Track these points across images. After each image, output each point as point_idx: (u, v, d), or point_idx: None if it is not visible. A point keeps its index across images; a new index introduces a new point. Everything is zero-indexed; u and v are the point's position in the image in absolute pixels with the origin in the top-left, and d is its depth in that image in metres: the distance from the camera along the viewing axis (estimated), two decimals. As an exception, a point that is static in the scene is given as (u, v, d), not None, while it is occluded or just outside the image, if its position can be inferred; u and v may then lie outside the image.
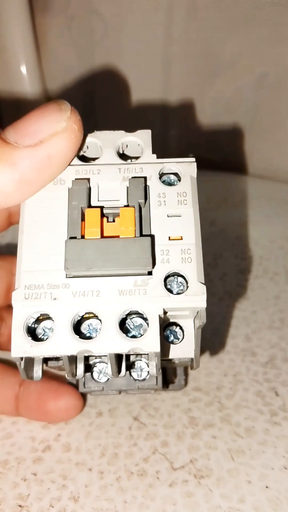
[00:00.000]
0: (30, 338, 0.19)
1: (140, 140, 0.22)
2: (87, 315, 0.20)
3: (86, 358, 0.22)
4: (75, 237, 0.20)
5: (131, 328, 0.20)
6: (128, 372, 0.24)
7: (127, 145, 0.23)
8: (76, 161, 0.22)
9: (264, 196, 0.43)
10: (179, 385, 0.29)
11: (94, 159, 0.22)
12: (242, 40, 0.41)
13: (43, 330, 0.20)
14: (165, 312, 0.20)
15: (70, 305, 0.19)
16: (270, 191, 0.44)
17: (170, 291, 0.19)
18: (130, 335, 0.19)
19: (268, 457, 0.26)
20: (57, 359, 0.22)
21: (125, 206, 0.21)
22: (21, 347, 0.19)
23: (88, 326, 0.20)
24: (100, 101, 0.46)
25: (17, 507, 0.25)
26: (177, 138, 0.44)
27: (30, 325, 0.20)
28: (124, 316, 0.19)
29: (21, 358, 0.19)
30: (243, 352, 0.32)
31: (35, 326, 0.20)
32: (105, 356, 0.22)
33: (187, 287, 0.19)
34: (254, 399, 0.29)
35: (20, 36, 0.42)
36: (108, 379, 0.25)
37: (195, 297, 0.19)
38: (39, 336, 0.20)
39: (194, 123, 0.46)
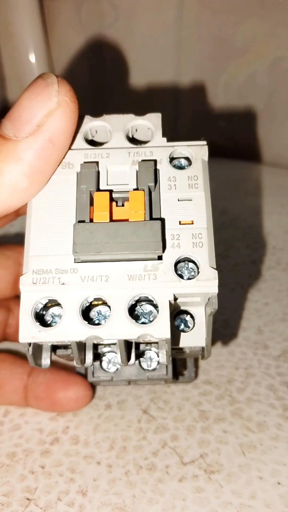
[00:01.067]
0: (38, 323, 0.19)
1: (150, 124, 0.21)
2: (96, 302, 0.19)
3: (95, 347, 0.22)
4: (83, 221, 0.20)
5: (141, 314, 0.20)
6: (137, 361, 0.23)
7: (136, 129, 0.22)
8: (84, 145, 0.21)
9: (277, 185, 0.42)
10: (189, 377, 0.28)
11: (103, 143, 0.22)
12: (256, 24, 0.40)
13: (52, 316, 0.20)
14: (175, 299, 0.19)
15: (78, 290, 0.19)
16: (284, 180, 0.43)
17: (181, 276, 0.19)
18: (140, 322, 0.19)
19: (280, 453, 0.26)
20: (65, 347, 0.22)
21: (134, 189, 0.20)
22: (29, 332, 0.18)
23: (97, 313, 0.20)
24: (109, 87, 0.46)
25: (24, 500, 0.24)
26: (188, 125, 0.43)
27: (38, 311, 0.19)
28: (134, 302, 0.19)
29: (29, 344, 0.19)
30: (255, 345, 0.31)
31: (43, 312, 0.20)
32: (114, 344, 0.21)
33: (198, 272, 0.19)
34: (266, 393, 0.29)
35: (28, 22, 0.42)
36: (118, 369, 0.24)
37: (207, 282, 0.19)
38: (48, 323, 0.20)
39: (206, 109, 0.45)
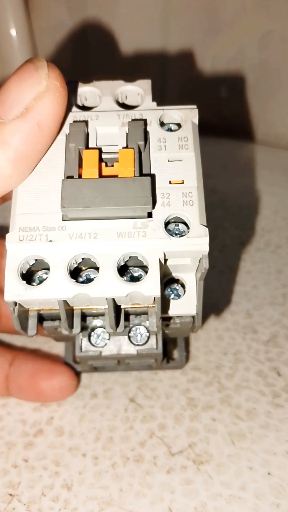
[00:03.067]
0: (25, 282, 0.18)
1: (140, 89, 0.22)
2: (84, 267, 0.19)
3: (84, 318, 0.21)
4: (72, 177, 0.19)
5: (130, 278, 0.19)
6: (127, 337, 0.23)
7: (126, 96, 0.22)
8: (73, 108, 0.21)
9: (267, 164, 0.41)
10: (180, 361, 0.28)
11: (92, 108, 0.21)
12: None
13: (38, 280, 0.19)
14: (165, 260, 0.19)
15: (66, 248, 0.18)
16: (274, 158, 0.42)
17: (171, 234, 0.19)
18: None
19: (271, 442, 0.25)
20: (53, 319, 0.21)
21: (124, 148, 0.20)
22: (14, 290, 0.18)
23: (86, 276, 0.19)
24: (94, 58, 0.44)
25: (7, 496, 0.24)
26: (176, 101, 0.42)
27: (24, 272, 0.19)
28: (123, 261, 0.18)
29: (15, 304, 0.19)
30: (243, 329, 0.31)
31: (31, 274, 0.19)
32: (103, 315, 0.21)
33: (189, 231, 0.18)
34: (255, 379, 0.28)
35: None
36: (106, 343, 0.23)
37: (197, 240, 0.18)
38: (34, 284, 0.19)
39: (193, 84, 0.43)
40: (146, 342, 0.23)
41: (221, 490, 0.24)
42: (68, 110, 0.20)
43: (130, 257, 0.19)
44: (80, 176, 0.19)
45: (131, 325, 0.23)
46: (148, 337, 0.23)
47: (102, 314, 0.21)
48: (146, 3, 0.41)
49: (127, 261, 0.19)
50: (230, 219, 0.37)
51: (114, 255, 0.18)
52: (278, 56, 0.40)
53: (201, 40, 0.41)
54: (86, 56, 0.44)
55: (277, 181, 0.40)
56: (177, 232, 0.19)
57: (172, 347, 0.29)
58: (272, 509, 0.23)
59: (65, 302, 0.19)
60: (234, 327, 0.31)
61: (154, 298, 0.19)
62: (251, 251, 0.35)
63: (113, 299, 0.19)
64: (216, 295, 0.32)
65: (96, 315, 0.22)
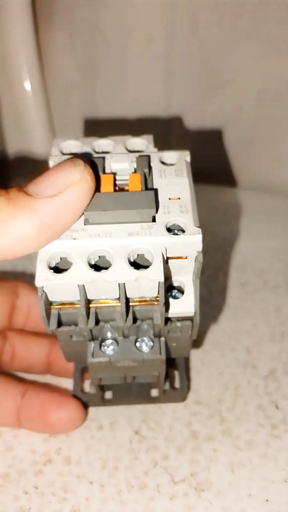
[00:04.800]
0: (52, 271, 0.22)
1: (144, 141, 0.27)
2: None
3: (97, 322, 0.24)
4: None
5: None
6: (133, 344, 0.26)
7: (133, 147, 0.27)
8: (91, 153, 0.26)
9: (264, 209, 0.43)
10: (182, 390, 0.29)
11: (107, 153, 0.26)
12: (242, 56, 0.42)
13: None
14: (167, 260, 0.23)
15: (86, 244, 0.22)
16: (270, 204, 0.44)
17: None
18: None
19: (269, 471, 0.26)
20: (69, 324, 0.24)
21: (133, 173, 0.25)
22: (44, 277, 0.21)
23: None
24: (102, 115, 0.47)
25: (18, 520, 0.25)
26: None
27: (52, 266, 0.22)
28: (132, 257, 0.22)
29: (43, 290, 0.22)
30: (244, 365, 0.32)
31: (57, 267, 0.22)
32: (113, 319, 0.24)
33: (185, 232, 0.22)
34: (255, 412, 0.29)
35: (24, 53, 0.43)
36: (115, 352, 0.25)
37: (193, 237, 0.22)
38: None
39: (194, 138, 0.46)
40: (151, 349, 0.25)
41: (222, 516, 0.25)
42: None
43: (138, 255, 0.22)
44: (99, 191, 0.23)
45: (136, 337, 0.26)
46: (153, 346, 0.25)
47: (113, 319, 0.24)
48: (151, 66, 0.44)
49: (136, 259, 0.22)
50: (230, 261, 0.39)
51: (125, 249, 0.22)
52: (273, 112, 0.43)
53: (201, 98, 0.44)
54: (94, 112, 0.47)
55: (274, 225, 0.42)
56: (175, 234, 0.23)
57: (173, 376, 0.30)
58: (270, 534, 0.24)
59: (84, 290, 0.22)
60: (235, 363, 0.32)
61: (158, 286, 0.22)
62: (250, 291, 0.37)
63: (125, 287, 0.22)
64: (217, 333, 0.34)
65: (107, 320, 0.25)
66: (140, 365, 0.25)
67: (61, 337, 0.25)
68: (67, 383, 0.31)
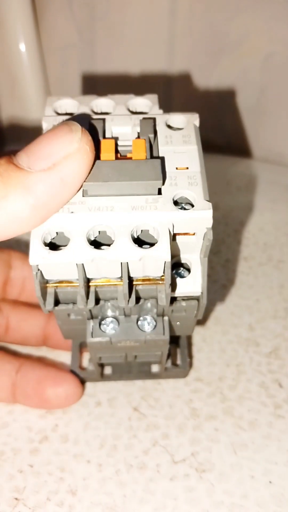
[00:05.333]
0: (48, 248, 0.20)
1: (148, 101, 0.24)
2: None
3: (97, 301, 0.22)
4: None
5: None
6: (135, 323, 0.24)
7: (136, 108, 0.24)
8: (91, 114, 0.24)
9: (269, 180, 0.42)
10: (183, 367, 0.28)
11: (108, 114, 0.24)
12: (249, 19, 0.40)
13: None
14: (174, 236, 0.21)
15: (85, 218, 0.20)
16: (275, 175, 0.43)
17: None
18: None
19: (272, 452, 0.26)
20: (66, 302, 0.23)
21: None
22: (38, 254, 0.20)
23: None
24: (101, 78, 0.45)
25: (13, 500, 0.24)
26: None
27: (47, 242, 0.20)
28: (136, 233, 0.20)
29: (38, 269, 0.20)
30: (246, 342, 0.31)
31: (53, 243, 0.21)
32: (114, 298, 0.23)
33: (194, 206, 0.20)
34: (257, 390, 0.29)
35: (19, 11, 0.41)
36: (115, 331, 0.24)
37: (202, 212, 0.20)
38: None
39: (197, 103, 0.44)
40: (154, 329, 0.24)
41: (223, 498, 0.24)
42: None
43: (142, 231, 0.20)
44: (99, 159, 0.21)
45: (138, 315, 0.24)
46: (155, 325, 0.24)
47: (114, 298, 0.23)
48: (152, 26, 0.42)
49: (139, 235, 0.20)
50: (233, 234, 0.38)
51: (128, 225, 0.20)
52: (280, 78, 0.41)
53: (205, 62, 0.42)
54: (93, 75, 0.45)
55: (279, 197, 0.41)
56: (184, 209, 0.21)
57: (174, 352, 0.29)
58: (274, 517, 0.23)
59: (83, 269, 0.20)
60: (237, 340, 0.31)
61: (164, 265, 0.20)
62: (253, 266, 0.36)
63: (127, 267, 0.20)
64: (219, 309, 0.33)
65: (108, 299, 0.23)
66: (142, 345, 0.24)
67: (58, 316, 0.24)
68: (64, 357, 0.30)
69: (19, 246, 0.35)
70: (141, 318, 0.24)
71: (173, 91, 0.44)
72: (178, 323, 0.25)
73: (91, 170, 0.20)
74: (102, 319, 0.24)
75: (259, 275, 0.35)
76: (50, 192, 0.19)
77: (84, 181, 0.20)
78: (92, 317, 0.24)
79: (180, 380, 0.29)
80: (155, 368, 0.29)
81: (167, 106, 0.25)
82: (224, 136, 0.45)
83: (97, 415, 0.28)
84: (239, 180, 0.42)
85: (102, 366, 0.29)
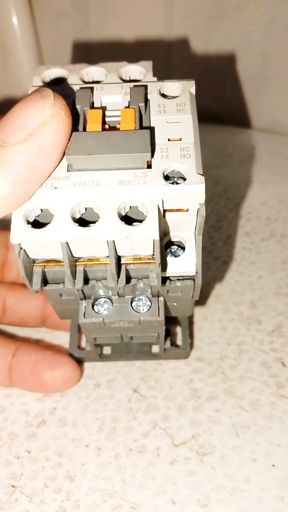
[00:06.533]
0: (30, 226, 0.19)
1: (142, 68, 0.23)
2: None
3: (86, 281, 0.22)
4: (77, 131, 0.20)
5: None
6: (129, 303, 0.23)
7: (129, 76, 0.23)
8: (81, 83, 0.22)
9: (272, 152, 0.40)
10: (184, 348, 0.28)
11: (98, 82, 0.23)
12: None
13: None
14: (164, 213, 0.20)
15: (70, 194, 0.19)
16: (278, 146, 0.41)
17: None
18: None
19: (275, 433, 0.25)
20: (57, 282, 0.22)
21: (125, 107, 0.21)
22: (19, 233, 0.19)
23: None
24: (96, 46, 0.43)
25: (9, 487, 0.23)
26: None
27: (30, 220, 0.19)
28: (124, 209, 0.19)
29: (20, 248, 0.19)
30: (248, 320, 0.30)
31: (37, 221, 0.20)
32: (105, 278, 0.22)
33: (186, 180, 0.19)
34: (259, 370, 0.28)
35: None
36: (109, 312, 0.23)
37: (194, 186, 0.19)
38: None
39: (197, 71, 0.43)
40: (148, 310, 0.23)
41: (225, 482, 0.23)
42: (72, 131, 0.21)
43: (130, 207, 0.19)
44: (84, 130, 0.20)
45: (133, 295, 0.23)
46: (150, 306, 0.23)
47: (104, 278, 0.22)
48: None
49: (128, 212, 0.19)
50: (235, 209, 0.37)
51: (115, 201, 0.19)
52: (283, 43, 0.39)
53: (205, 27, 0.41)
54: (88, 44, 0.44)
55: (282, 169, 0.39)
56: (175, 183, 0.19)
57: (175, 333, 0.29)
58: (276, 502, 0.23)
59: (68, 248, 0.19)
60: (239, 318, 0.31)
61: (153, 244, 0.19)
62: (256, 241, 0.35)
63: (114, 245, 0.19)
64: (221, 285, 0.32)
65: (98, 279, 0.22)
66: (136, 326, 0.23)
67: (50, 296, 0.23)
68: (61, 339, 0.30)
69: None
70: (135, 298, 0.23)
71: (171, 58, 0.43)
72: (174, 303, 0.24)
73: (75, 142, 0.19)
74: (96, 299, 0.23)
75: (262, 250, 0.34)
76: (29, 164, 0.18)
77: (68, 154, 0.19)
78: (85, 298, 0.23)
79: (181, 360, 0.28)
80: (155, 349, 0.29)
81: (165, 73, 0.23)
82: (224, 105, 0.44)
83: (96, 397, 0.27)
84: (241, 152, 0.41)
85: (100, 346, 0.28)
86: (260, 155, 0.40)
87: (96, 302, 0.23)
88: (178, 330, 0.29)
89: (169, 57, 0.43)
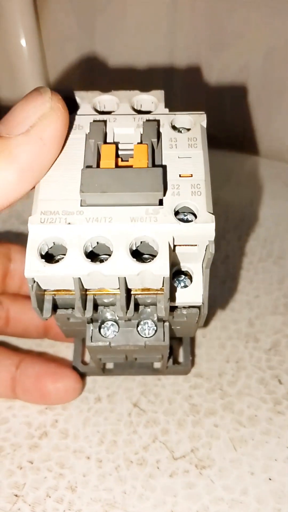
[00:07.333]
0: (43, 260, 0.19)
1: (154, 98, 0.23)
2: (100, 254, 0.20)
3: (95, 308, 0.22)
4: (91, 167, 0.21)
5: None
6: (135, 328, 0.24)
7: (141, 105, 0.23)
8: (94, 112, 0.23)
9: (270, 176, 0.42)
10: (186, 365, 0.28)
11: (110, 113, 0.23)
12: (251, 12, 0.40)
13: (56, 261, 0.20)
14: (174, 247, 0.20)
15: (83, 230, 0.19)
16: (276, 171, 0.42)
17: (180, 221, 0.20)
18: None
19: (272, 448, 0.26)
20: (66, 308, 0.22)
21: (138, 143, 0.22)
22: (34, 267, 0.19)
23: (100, 259, 0.20)
24: (101, 71, 0.45)
25: (12, 496, 0.24)
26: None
27: (43, 253, 0.20)
28: (135, 245, 0.20)
29: (33, 281, 0.20)
30: (246, 337, 0.31)
31: (50, 258, 0.20)
32: (113, 306, 0.22)
33: (196, 218, 0.20)
34: (257, 386, 0.29)
35: (19, 5, 0.41)
36: (115, 335, 0.24)
37: (204, 225, 0.19)
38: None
39: (199, 97, 0.44)
40: (154, 335, 0.23)
41: (223, 495, 0.24)
42: (69, 130, 0.21)
43: (141, 242, 0.20)
44: (98, 167, 0.21)
45: (139, 319, 0.24)
46: (156, 331, 0.23)
47: (113, 304, 0.22)
48: (153, 18, 0.42)
49: (138, 246, 0.20)
50: (233, 230, 0.38)
51: (127, 237, 0.19)
52: (282, 72, 0.41)
53: (206, 55, 0.42)
54: (93, 69, 0.45)
55: (279, 193, 0.40)
56: (185, 220, 0.20)
57: (177, 349, 0.29)
58: (273, 514, 0.23)
59: (80, 282, 0.20)
60: (237, 336, 0.31)
61: (163, 280, 0.20)
62: (253, 262, 0.36)
63: (125, 281, 0.20)
64: (218, 304, 0.33)
65: (107, 305, 0.23)
66: (141, 349, 0.24)
67: (58, 319, 0.23)
68: (65, 352, 0.30)
69: (18, 239, 0.35)
70: (141, 322, 0.23)
71: (175, 84, 0.44)
72: (179, 327, 0.24)
73: (89, 179, 0.20)
74: (102, 322, 0.24)
75: (259, 271, 0.35)
76: (32, 152, 0.19)
77: (82, 192, 0.20)
78: (92, 321, 0.23)
79: (180, 376, 0.29)
80: (157, 364, 0.29)
81: (168, 99, 0.24)
82: (224, 131, 0.45)
83: (97, 411, 0.28)
84: (239, 175, 0.42)
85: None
86: (257, 179, 0.42)
87: (102, 325, 0.24)
88: (179, 346, 0.30)
89: (171, 84, 0.44)
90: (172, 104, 0.24)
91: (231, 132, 0.45)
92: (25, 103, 0.19)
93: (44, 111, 0.19)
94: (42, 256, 0.19)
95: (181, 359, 0.29)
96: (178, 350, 0.29)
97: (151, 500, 0.24)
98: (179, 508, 0.23)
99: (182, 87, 0.44)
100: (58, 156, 0.21)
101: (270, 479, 0.24)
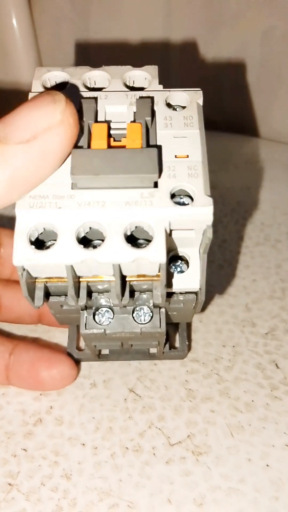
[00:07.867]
0: (33, 247, 0.18)
1: (147, 74, 0.22)
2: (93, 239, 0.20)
3: (89, 295, 0.21)
4: (81, 147, 0.20)
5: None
6: (131, 315, 0.23)
7: (134, 81, 0.22)
8: (84, 89, 0.21)
9: (267, 159, 0.41)
10: (182, 350, 0.28)
11: (101, 89, 0.22)
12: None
13: (46, 248, 0.19)
14: (170, 232, 0.19)
15: (75, 215, 0.19)
16: (274, 153, 0.42)
17: (177, 204, 0.19)
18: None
19: (269, 434, 0.25)
20: (59, 295, 0.22)
21: (132, 122, 0.21)
22: (23, 254, 0.18)
23: (94, 245, 0.20)
24: (95, 52, 0.44)
25: (6, 485, 0.24)
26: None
27: (33, 240, 0.19)
28: (130, 230, 0.19)
29: (23, 269, 0.19)
30: (242, 322, 0.31)
31: (40, 244, 0.19)
32: (108, 292, 0.22)
33: (193, 201, 0.19)
34: (254, 372, 0.28)
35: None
36: (110, 322, 0.23)
37: (202, 209, 0.18)
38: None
39: (195, 79, 0.43)
40: (150, 321, 0.23)
41: (220, 482, 0.24)
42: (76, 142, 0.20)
43: (136, 227, 0.19)
44: (89, 147, 0.20)
45: (134, 305, 0.23)
46: (152, 317, 0.23)
47: (107, 291, 0.21)
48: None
49: (133, 231, 0.19)
50: (230, 214, 0.37)
51: (121, 222, 0.19)
52: (280, 52, 0.40)
53: (203, 34, 0.41)
54: (87, 48, 0.44)
55: (277, 176, 0.40)
56: (182, 203, 0.19)
57: (173, 334, 0.29)
58: (271, 502, 0.23)
59: (73, 269, 0.19)
60: (233, 320, 0.31)
61: (159, 266, 0.19)
62: (250, 246, 0.35)
63: (120, 267, 0.19)
64: (216, 289, 0.32)
65: (101, 291, 0.22)
66: (137, 336, 0.23)
67: (51, 307, 0.23)
68: (59, 338, 0.30)
69: (9, 223, 0.35)
70: (137, 308, 0.23)
71: (171, 65, 0.43)
72: (175, 313, 0.24)
73: (80, 160, 0.18)
74: (97, 309, 0.23)
75: (256, 255, 0.35)
76: (30, 166, 0.18)
77: (73, 174, 0.18)
78: (86, 308, 0.23)
79: (176, 361, 0.29)
80: (153, 349, 0.29)
81: (164, 77, 0.23)
82: (221, 112, 0.44)
83: (92, 397, 0.27)
84: (237, 158, 0.42)
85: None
86: (255, 161, 0.41)
87: (97, 312, 0.23)
88: (176, 330, 0.29)
89: (167, 65, 0.43)
90: (168, 86, 0.23)
91: (228, 115, 0.44)
92: (33, 106, 0.18)
93: (53, 122, 0.17)
94: (32, 243, 0.19)
95: (177, 344, 0.29)
96: (174, 335, 0.29)
97: (147, 488, 0.23)
98: (176, 496, 0.23)
99: (178, 68, 0.43)
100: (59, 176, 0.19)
101: (267, 465, 0.24)
